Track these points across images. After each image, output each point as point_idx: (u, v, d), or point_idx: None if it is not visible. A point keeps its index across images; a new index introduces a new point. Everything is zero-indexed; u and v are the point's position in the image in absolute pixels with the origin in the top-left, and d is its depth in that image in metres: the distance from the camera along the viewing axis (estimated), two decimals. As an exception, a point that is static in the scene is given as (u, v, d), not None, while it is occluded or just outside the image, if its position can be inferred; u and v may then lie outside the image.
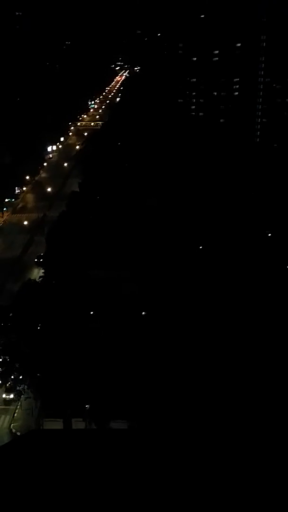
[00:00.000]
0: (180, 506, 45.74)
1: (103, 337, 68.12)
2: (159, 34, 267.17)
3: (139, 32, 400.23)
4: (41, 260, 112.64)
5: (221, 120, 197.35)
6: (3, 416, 73.81)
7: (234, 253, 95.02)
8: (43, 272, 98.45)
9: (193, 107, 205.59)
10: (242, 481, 46.89)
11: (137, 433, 59.90)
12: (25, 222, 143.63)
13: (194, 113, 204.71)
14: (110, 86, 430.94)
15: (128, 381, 63.00)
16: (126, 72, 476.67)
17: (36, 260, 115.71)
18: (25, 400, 73.48)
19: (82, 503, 46.41)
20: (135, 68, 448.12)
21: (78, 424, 65.91)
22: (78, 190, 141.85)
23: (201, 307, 75.49)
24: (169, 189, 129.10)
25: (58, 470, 50.26)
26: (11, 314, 74.10)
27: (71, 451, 54.23)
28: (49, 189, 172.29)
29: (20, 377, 71.98)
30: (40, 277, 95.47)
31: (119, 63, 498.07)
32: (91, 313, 75.47)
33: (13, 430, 70.75)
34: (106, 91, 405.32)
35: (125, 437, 59.12)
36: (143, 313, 76.94)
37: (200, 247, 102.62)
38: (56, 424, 65.97)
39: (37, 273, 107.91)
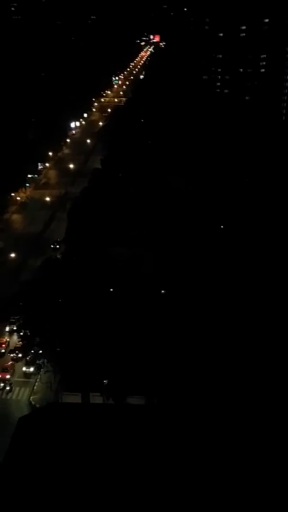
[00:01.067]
0: (195, 480, 46.50)
1: (122, 314, 68.65)
2: (185, 9, 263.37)
3: (165, 6, 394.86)
4: (57, 246, 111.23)
5: (247, 98, 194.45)
6: (23, 389, 75.13)
7: (256, 234, 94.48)
8: (64, 249, 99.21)
9: (218, 83, 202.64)
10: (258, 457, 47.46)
11: (154, 409, 60.81)
12: (47, 198, 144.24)
13: (219, 90, 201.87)
14: (135, 61, 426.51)
15: (146, 357, 63.59)
16: (151, 47, 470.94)
17: (52, 246, 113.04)
18: (44, 373, 74.73)
19: (97, 476, 47.39)
20: (160, 44, 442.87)
21: (96, 398, 66.86)
22: (100, 167, 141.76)
23: (219, 286, 75.51)
24: (192, 167, 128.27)
25: (75, 442, 51.33)
26: (32, 289, 75.00)
27: (88, 425, 55.25)
28: (71, 166, 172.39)
29: (40, 351, 73.09)
30: (61, 253, 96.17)
31: (145, 38, 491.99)
32: (111, 290, 75.96)
33: (33, 403, 72.04)
34: (131, 66, 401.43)
35: (142, 412, 60.04)
36: (162, 291, 77.19)
37: (222, 227, 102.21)
38: (74, 398, 67.00)
39: (58, 249, 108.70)
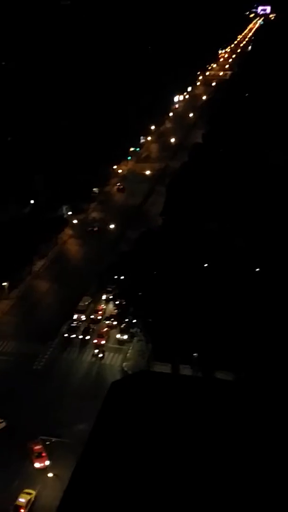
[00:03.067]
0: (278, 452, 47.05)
1: (214, 289, 69.29)
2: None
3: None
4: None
5: None
6: (116, 355, 77.91)
7: None
8: (162, 222, 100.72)
9: None
10: None
11: (243, 385, 61.47)
12: (148, 172, 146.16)
13: None
14: (243, 34, 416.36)
15: (237, 333, 64.10)
16: (261, 19, 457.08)
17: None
18: (137, 342, 77.02)
19: (182, 445, 49.13)
20: (270, 16, 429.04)
21: (185, 370, 68.44)
22: (201, 141, 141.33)
23: None
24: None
25: (163, 411, 53.35)
26: (129, 260, 77.26)
27: (177, 395, 57.08)
28: (172, 140, 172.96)
29: (134, 320, 75.39)
30: (159, 226, 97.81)
31: (254, 10, 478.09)
32: (205, 265, 76.62)
33: (125, 369, 74.62)
34: (238, 39, 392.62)
35: (229, 387, 60.97)
36: (257, 269, 76.85)
37: None
38: (164, 368, 68.93)
39: (155, 222, 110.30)
